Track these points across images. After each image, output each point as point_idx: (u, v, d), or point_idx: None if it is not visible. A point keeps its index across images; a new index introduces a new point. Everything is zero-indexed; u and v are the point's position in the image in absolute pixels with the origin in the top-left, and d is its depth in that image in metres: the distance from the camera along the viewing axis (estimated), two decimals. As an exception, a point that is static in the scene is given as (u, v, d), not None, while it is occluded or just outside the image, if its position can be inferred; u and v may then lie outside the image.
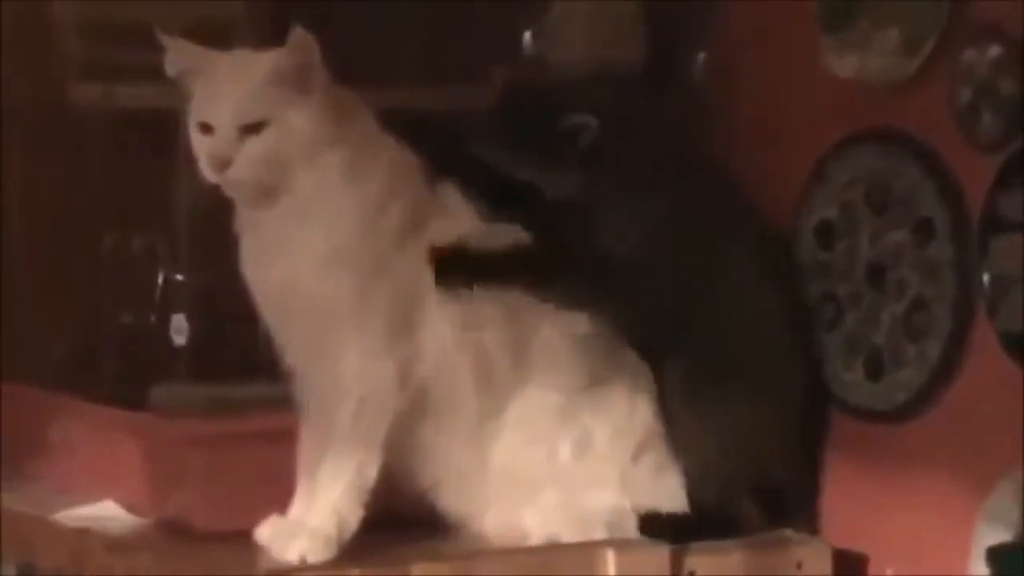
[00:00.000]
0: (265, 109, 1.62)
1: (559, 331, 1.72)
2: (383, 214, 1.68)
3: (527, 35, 1.91)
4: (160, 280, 1.90)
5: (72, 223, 2.00)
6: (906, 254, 1.75)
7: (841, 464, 1.81)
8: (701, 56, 1.91)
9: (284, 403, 1.72)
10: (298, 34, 1.62)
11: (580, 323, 1.73)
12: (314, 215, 1.66)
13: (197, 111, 1.65)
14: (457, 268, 1.66)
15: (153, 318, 1.90)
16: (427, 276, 1.68)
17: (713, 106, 1.91)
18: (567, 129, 1.69)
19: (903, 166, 1.75)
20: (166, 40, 1.66)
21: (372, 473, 1.67)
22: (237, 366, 1.80)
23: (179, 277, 1.90)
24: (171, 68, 1.65)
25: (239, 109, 1.62)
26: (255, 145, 1.63)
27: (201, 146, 1.64)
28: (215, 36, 1.76)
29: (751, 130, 1.90)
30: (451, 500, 1.72)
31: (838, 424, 1.81)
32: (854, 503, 1.80)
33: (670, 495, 1.74)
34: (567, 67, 1.92)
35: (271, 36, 1.72)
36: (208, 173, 1.63)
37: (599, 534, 1.73)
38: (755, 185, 1.86)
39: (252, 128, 1.62)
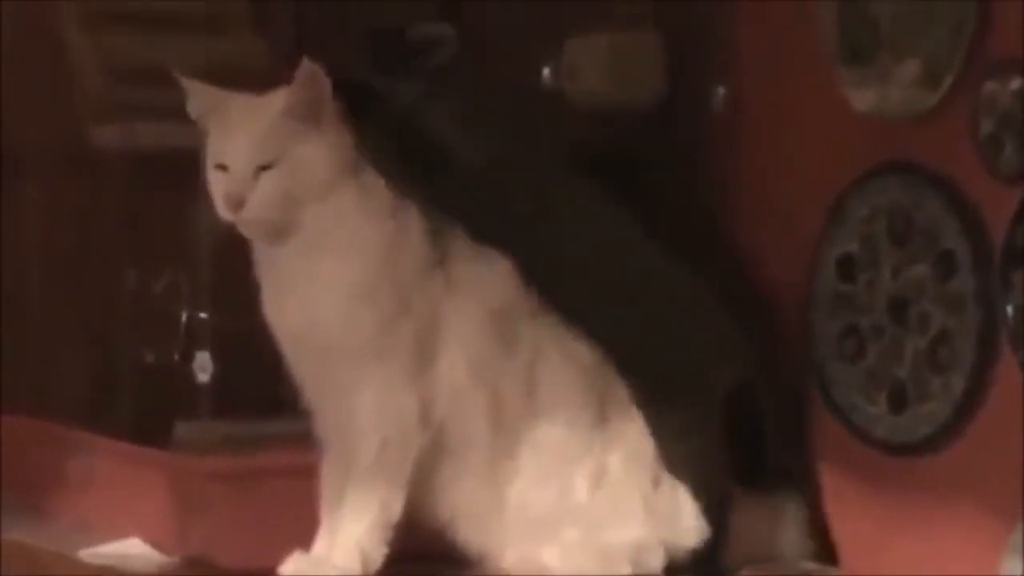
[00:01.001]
0: (277, 147, 1.63)
1: (563, 362, 1.72)
2: (403, 247, 1.69)
3: (546, 70, 1.93)
4: (183, 318, 1.92)
5: (95, 261, 2.03)
6: (928, 287, 1.75)
7: (863, 497, 1.80)
8: (720, 91, 1.91)
9: (307, 439, 1.72)
10: (306, 67, 1.63)
11: (583, 353, 1.73)
12: (331, 251, 1.67)
13: (213, 152, 1.66)
14: None
15: (177, 355, 1.92)
16: (445, 308, 1.68)
17: (731, 140, 1.91)
18: (422, 38, 1.70)
19: (924, 199, 1.75)
20: (184, 82, 1.67)
21: (397, 509, 1.67)
22: (260, 403, 1.80)
23: (202, 315, 1.91)
24: (192, 111, 1.67)
25: (252, 149, 1.63)
26: (268, 183, 1.64)
27: (217, 186, 1.65)
28: (236, 77, 1.76)
29: (770, 164, 1.90)
30: (470, 537, 1.71)
31: (860, 457, 1.80)
32: (877, 536, 1.78)
33: (693, 518, 1.73)
34: (587, 101, 1.92)
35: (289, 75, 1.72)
36: (223, 212, 1.64)
37: (624, 570, 1.72)
38: (775, 219, 1.88)
39: (266, 167, 1.63)
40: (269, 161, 1.63)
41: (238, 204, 1.63)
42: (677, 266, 1.76)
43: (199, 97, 1.67)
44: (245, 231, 1.66)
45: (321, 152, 1.65)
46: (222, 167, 1.65)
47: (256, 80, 1.78)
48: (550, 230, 1.71)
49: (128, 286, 1.97)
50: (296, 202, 1.64)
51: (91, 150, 1.94)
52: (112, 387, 1.99)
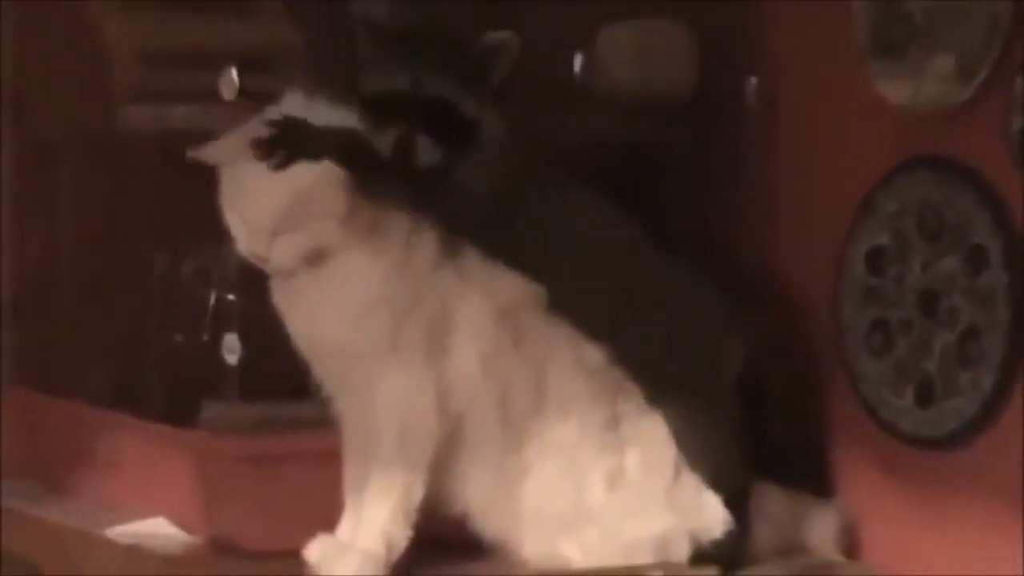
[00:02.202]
0: (292, 223, 1.65)
1: (574, 365, 1.72)
2: (414, 243, 1.70)
3: (577, 60, 1.90)
4: (212, 300, 1.91)
5: (124, 243, 2.03)
6: (958, 282, 1.73)
7: (890, 491, 1.80)
8: (752, 82, 1.89)
9: (334, 422, 1.71)
10: (327, 168, 1.64)
11: (594, 356, 1.72)
12: (342, 267, 1.69)
13: (229, 202, 1.67)
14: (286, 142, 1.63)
15: (205, 337, 1.91)
16: (456, 303, 1.69)
17: (762, 132, 1.90)
18: (483, 48, 1.66)
19: (956, 193, 1.73)
20: (198, 154, 1.66)
21: (419, 494, 1.67)
22: (287, 385, 1.77)
23: (230, 297, 1.90)
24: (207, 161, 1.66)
25: (268, 220, 1.65)
26: (288, 244, 1.66)
27: (235, 232, 1.67)
28: (269, 62, 1.80)
29: (801, 157, 1.89)
30: (489, 528, 1.72)
31: (886, 451, 1.79)
32: (903, 531, 1.78)
33: (716, 510, 1.72)
34: (617, 93, 1.91)
35: (324, 64, 1.77)
36: (246, 257, 1.67)
37: (647, 559, 1.70)
38: (805, 211, 1.87)
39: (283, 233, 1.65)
40: (285, 231, 1.65)
41: (262, 261, 1.66)
42: (682, 261, 1.75)
43: (210, 156, 1.67)
44: (269, 271, 1.69)
45: (337, 220, 1.67)
46: (240, 220, 1.67)
47: (288, 64, 1.83)
48: (552, 233, 1.71)
49: (157, 268, 1.97)
50: (319, 250, 1.67)
51: (121, 133, 1.94)
52: (141, 368, 1.99)
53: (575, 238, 1.71)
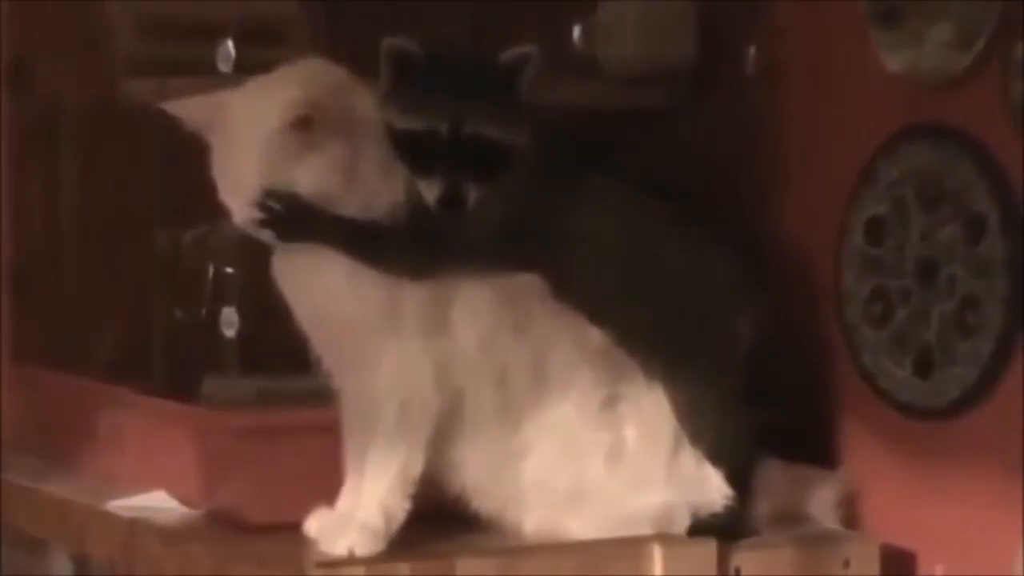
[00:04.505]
0: (280, 174, 1.62)
1: (573, 347, 1.71)
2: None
3: (576, 32, 1.90)
4: (210, 273, 1.89)
5: (123, 217, 2.00)
6: (957, 251, 1.73)
7: (889, 461, 1.79)
8: (751, 51, 1.88)
9: (334, 396, 1.70)
10: (293, 94, 1.61)
11: (594, 338, 1.71)
12: None
13: (218, 169, 1.65)
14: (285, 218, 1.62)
15: (204, 311, 1.89)
16: (456, 281, 1.68)
17: (762, 102, 1.89)
18: (508, 65, 1.61)
19: (955, 162, 1.72)
20: (172, 108, 1.65)
21: (418, 467, 1.66)
22: (287, 358, 1.75)
23: (229, 270, 1.88)
24: (190, 126, 1.65)
25: (256, 178, 1.62)
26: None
27: (230, 201, 1.65)
28: (268, 32, 1.77)
29: (799, 126, 1.89)
30: (488, 505, 1.71)
31: (885, 421, 1.79)
32: (902, 500, 1.78)
33: (717, 483, 1.72)
34: (618, 65, 1.90)
35: (323, 35, 1.76)
36: (243, 227, 1.65)
37: (647, 531, 1.70)
38: (806, 180, 1.87)
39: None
40: (273, 186, 1.62)
41: (256, 229, 1.64)
42: (689, 229, 1.72)
43: (191, 113, 1.65)
44: (266, 241, 1.67)
45: (325, 168, 1.64)
46: (231, 187, 1.65)
47: (292, 40, 1.80)
48: (556, 212, 1.69)
49: (157, 241, 1.94)
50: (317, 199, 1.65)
51: (121, 104, 1.90)
52: (141, 342, 1.98)
53: (579, 217, 1.69)
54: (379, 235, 1.63)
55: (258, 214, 1.61)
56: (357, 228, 1.62)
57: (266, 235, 1.65)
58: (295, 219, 1.60)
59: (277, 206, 1.60)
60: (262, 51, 1.79)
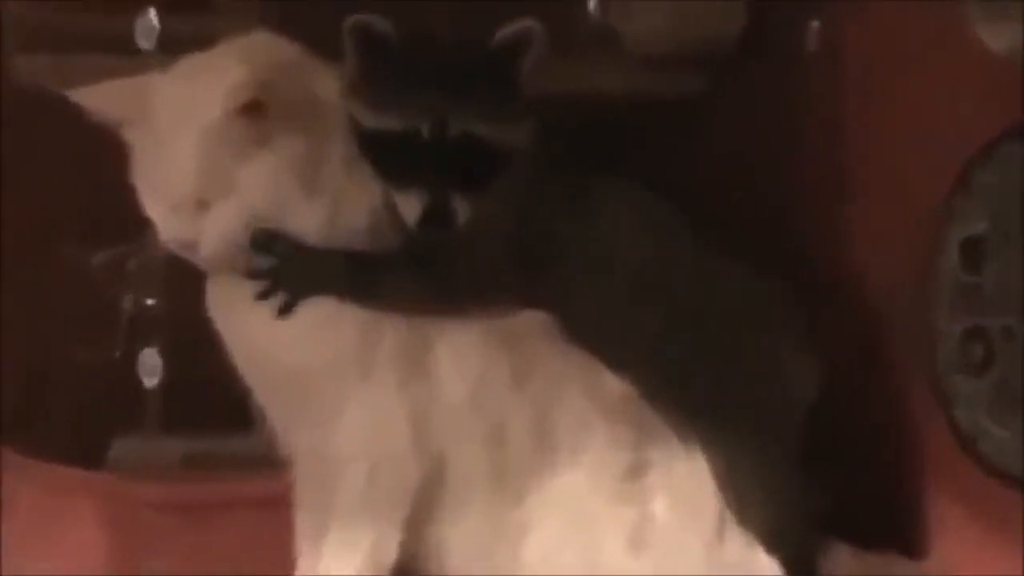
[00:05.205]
0: (222, 178, 1.53)
1: (586, 399, 1.61)
2: (383, 242, 1.59)
3: (592, 1, 1.80)
4: (127, 305, 1.79)
5: (13, 233, 1.86)
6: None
7: (990, 543, 1.64)
8: (814, 26, 1.75)
9: (282, 460, 1.60)
10: (240, 74, 1.50)
11: (611, 385, 1.61)
12: None
13: (141, 174, 1.54)
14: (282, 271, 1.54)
15: (117, 353, 1.80)
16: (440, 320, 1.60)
17: (825, 90, 1.77)
18: (502, 45, 1.51)
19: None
20: (77, 95, 1.52)
21: (391, 552, 1.56)
22: (221, 414, 1.67)
23: (150, 301, 1.79)
24: (102, 119, 1.54)
25: (192, 183, 1.53)
26: (220, 218, 1.54)
27: (154, 213, 1.55)
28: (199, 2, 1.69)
29: (873, 121, 1.75)
30: None
31: (988, 493, 1.63)
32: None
33: (772, 572, 1.59)
34: (644, 41, 1.77)
35: (271, 4, 1.65)
36: (171, 247, 1.55)
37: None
38: (881, 190, 1.73)
39: (212, 199, 1.55)
40: (213, 195, 1.53)
41: (188, 247, 1.54)
42: (740, 263, 1.62)
43: (103, 102, 1.53)
44: (201, 266, 1.56)
45: (279, 167, 1.55)
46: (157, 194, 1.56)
47: (232, 10, 1.69)
48: (575, 238, 1.58)
49: (57, 264, 1.80)
50: (263, 220, 1.55)
51: (11, 88, 1.76)
52: (37, 392, 1.86)
53: (603, 245, 1.58)
54: (382, 267, 1.54)
55: (257, 269, 1.52)
56: (361, 266, 1.54)
57: (200, 258, 1.54)
58: (300, 270, 1.52)
59: (276, 257, 1.51)
60: (194, 23, 1.71)
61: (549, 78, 1.52)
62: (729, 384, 1.59)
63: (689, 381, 1.59)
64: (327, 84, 1.54)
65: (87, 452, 1.74)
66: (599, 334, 1.58)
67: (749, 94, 1.80)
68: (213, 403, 1.65)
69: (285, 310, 1.52)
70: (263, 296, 1.52)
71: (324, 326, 1.55)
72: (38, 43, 1.74)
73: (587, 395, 1.60)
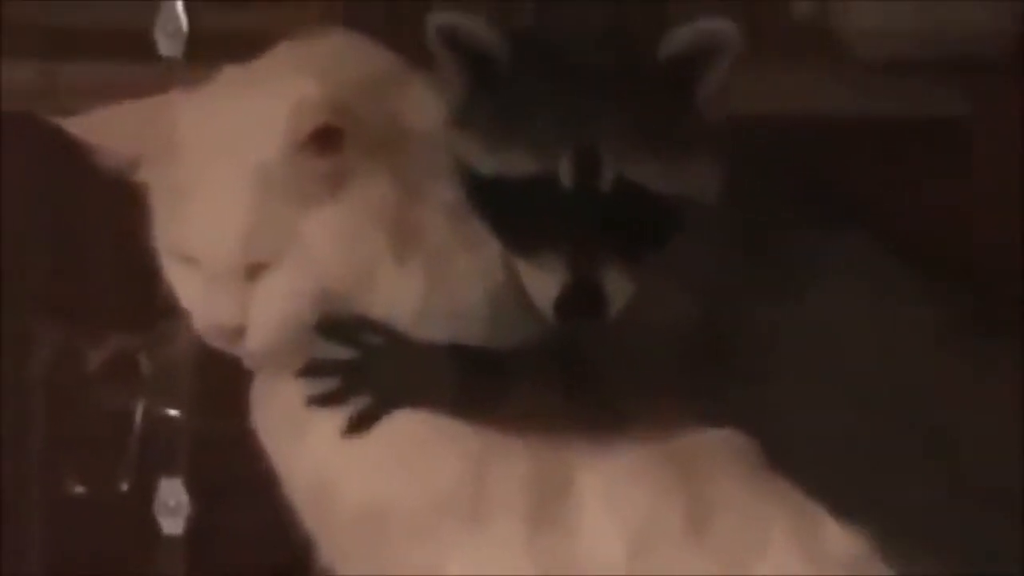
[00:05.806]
0: (280, 235, 1.31)
1: (798, 556, 1.37)
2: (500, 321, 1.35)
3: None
4: (138, 416, 1.55)
5: None
6: None
7: None
8: None
9: None
10: (307, 92, 1.28)
11: (836, 539, 1.35)
12: None
13: (165, 232, 1.32)
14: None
15: (124, 485, 1.57)
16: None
17: None
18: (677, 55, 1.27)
19: None
20: (80, 124, 1.28)
21: None
22: (265, 571, 1.47)
23: (171, 412, 1.56)
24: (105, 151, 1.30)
25: (238, 244, 1.31)
26: (277, 291, 1.31)
27: (185, 287, 1.33)
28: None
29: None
30: None
31: None
32: None
33: None
34: (875, 45, 1.56)
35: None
36: (207, 336, 1.32)
37: None
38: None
39: (264, 265, 1.34)
40: (267, 260, 1.30)
41: (230, 335, 1.31)
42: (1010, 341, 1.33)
43: (110, 132, 1.29)
44: (249, 363, 1.34)
45: (362, 219, 1.32)
46: (189, 259, 1.34)
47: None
48: (790, 318, 1.33)
49: (42, 356, 1.57)
50: (325, 303, 1.33)
51: None
52: (12, 536, 1.58)
53: (827, 336, 1.32)
54: (504, 369, 1.31)
55: (325, 363, 1.30)
56: (476, 366, 1.31)
57: (247, 353, 1.29)
58: (388, 368, 1.32)
59: (354, 347, 1.29)
60: (238, 17, 1.49)
61: (741, 98, 1.23)
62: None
63: (953, 539, 1.29)
64: (427, 107, 1.30)
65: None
66: (820, 465, 1.32)
67: (1018, 113, 1.62)
68: (256, 556, 1.47)
69: (363, 424, 1.28)
70: (331, 402, 1.29)
71: (419, 449, 1.33)
72: (23, 46, 1.53)
73: (798, 553, 1.34)
